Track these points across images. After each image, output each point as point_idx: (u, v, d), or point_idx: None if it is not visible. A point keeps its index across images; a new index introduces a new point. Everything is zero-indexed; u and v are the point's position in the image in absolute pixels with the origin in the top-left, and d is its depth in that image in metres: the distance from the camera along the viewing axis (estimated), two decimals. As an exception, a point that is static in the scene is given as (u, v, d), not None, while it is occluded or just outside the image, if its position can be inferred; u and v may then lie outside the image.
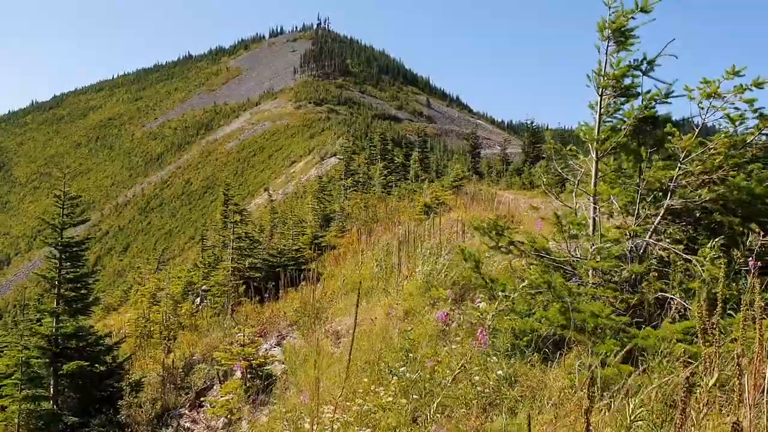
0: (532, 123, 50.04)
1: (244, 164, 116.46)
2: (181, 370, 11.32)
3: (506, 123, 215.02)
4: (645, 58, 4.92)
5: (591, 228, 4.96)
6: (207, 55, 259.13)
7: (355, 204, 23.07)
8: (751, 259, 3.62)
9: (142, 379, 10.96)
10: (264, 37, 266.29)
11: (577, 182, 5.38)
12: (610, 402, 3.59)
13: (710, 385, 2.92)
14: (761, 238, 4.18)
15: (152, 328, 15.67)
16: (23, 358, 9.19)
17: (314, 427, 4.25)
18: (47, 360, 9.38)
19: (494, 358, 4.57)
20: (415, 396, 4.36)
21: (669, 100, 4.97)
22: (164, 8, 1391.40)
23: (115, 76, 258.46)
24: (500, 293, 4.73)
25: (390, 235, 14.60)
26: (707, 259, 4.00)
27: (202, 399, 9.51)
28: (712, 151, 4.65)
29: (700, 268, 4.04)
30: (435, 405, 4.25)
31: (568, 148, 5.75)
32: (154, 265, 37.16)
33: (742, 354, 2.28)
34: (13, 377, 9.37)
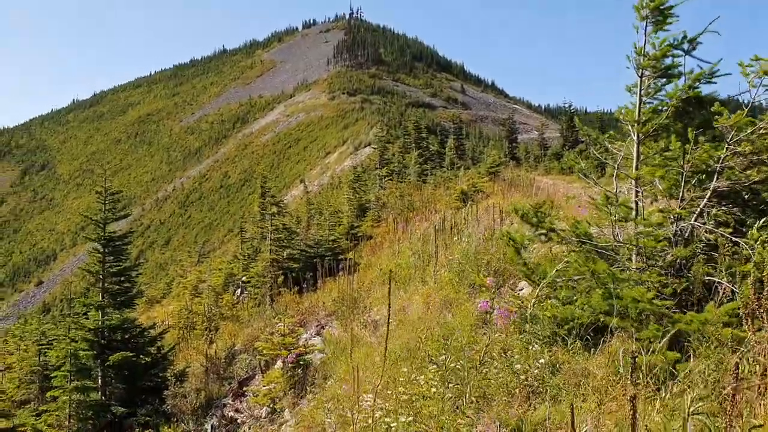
0: (570, 106, 49.36)
1: (280, 156, 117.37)
2: (223, 360, 11.52)
3: (543, 107, 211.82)
4: (686, 37, 4.76)
5: (634, 212, 4.84)
6: (241, 48, 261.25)
7: (390, 193, 23.05)
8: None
9: (186, 370, 11.18)
10: (297, 29, 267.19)
11: (616, 166, 5.26)
12: (657, 390, 3.51)
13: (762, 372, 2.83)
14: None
15: (195, 320, 15.99)
16: (71, 351, 9.47)
17: (356, 416, 4.27)
18: (94, 352, 9.64)
19: (536, 345, 4.52)
20: (455, 384, 4.34)
21: (714, 80, 4.80)
22: (200, 4, 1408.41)
23: (152, 73, 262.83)
24: (543, 281, 4.67)
25: (426, 223, 14.56)
26: (757, 241, 3.86)
27: (244, 388, 9.66)
28: (761, 131, 4.49)
29: (749, 251, 3.91)
30: (475, 393, 4.22)
31: (606, 135, 5.63)
32: (195, 258, 37.86)
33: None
34: (62, 369, 9.66)
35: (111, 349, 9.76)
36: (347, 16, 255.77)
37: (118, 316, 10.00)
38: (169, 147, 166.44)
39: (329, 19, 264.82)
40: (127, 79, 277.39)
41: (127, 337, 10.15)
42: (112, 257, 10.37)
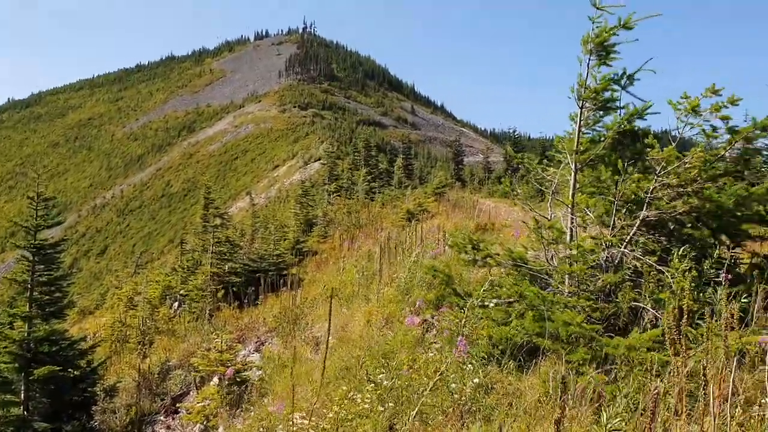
0: (514, 132, 50.62)
1: (227, 167, 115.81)
2: (157, 375, 11.21)
3: (489, 131, 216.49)
4: (625, 73, 5.02)
5: (568, 238, 5.03)
6: (190, 56, 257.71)
7: (338, 209, 23.08)
8: (722, 271, 3.70)
9: (117, 385, 10.82)
10: (249, 39, 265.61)
11: (552, 192, 5.45)
12: (583, 410, 3.64)
13: (678, 394, 2.98)
14: (730, 250, 4.27)
15: (128, 333, 15.50)
16: (-8, 364, 9.03)
17: (290, 434, 4.24)
18: (17, 365, 9.20)
19: (471, 366, 4.61)
20: (391, 403, 4.38)
21: (646, 116, 5.08)
22: (147, 8, 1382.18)
23: (95, 76, 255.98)
24: (471, 301, 4.78)
25: (372, 241, 14.63)
26: (678, 270, 4.07)
27: (178, 405, 9.44)
28: (687, 165, 4.75)
29: (670, 279, 4.12)
30: (411, 412, 4.27)
31: (538, 163, 5.84)
32: (131, 269, 36.84)
33: (707, 364, 2.33)
34: (-20, 383, 9.19)
35: (37, 362, 9.35)
36: (301, 30, 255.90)
37: (46, 327, 9.60)
38: (110, 153, 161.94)
39: (282, 31, 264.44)
40: (69, 81, 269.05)
41: (55, 349, 9.75)
42: (42, 266, 9.96)
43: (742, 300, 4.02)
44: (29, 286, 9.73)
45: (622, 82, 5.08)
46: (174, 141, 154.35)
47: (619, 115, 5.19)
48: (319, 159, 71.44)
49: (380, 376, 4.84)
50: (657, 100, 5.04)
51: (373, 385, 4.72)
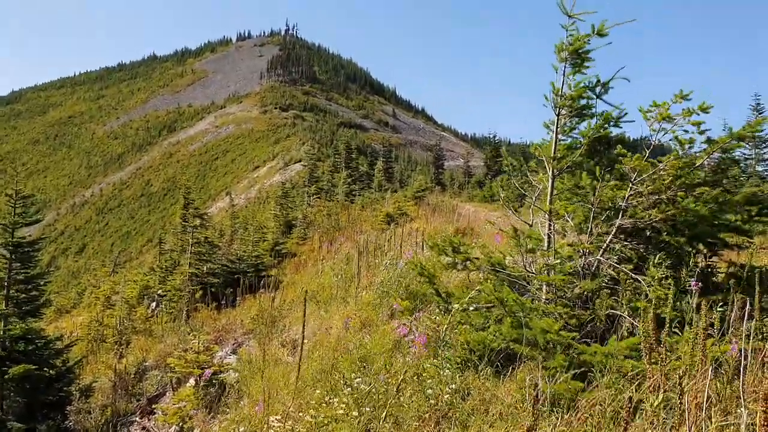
0: (494, 137, 50.73)
1: (207, 167, 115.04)
2: (133, 375, 11.09)
3: (470, 136, 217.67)
4: (599, 81, 5.04)
5: (546, 244, 5.04)
6: (172, 56, 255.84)
7: (317, 211, 22.99)
8: (693, 280, 3.73)
9: (93, 384, 10.69)
10: (231, 40, 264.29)
11: (534, 198, 5.47)
12: (558, 417, 3.64)
13: (655, 405, 2.99)
14: (707, 259, 4.31)
15: (105, 332, 15.33)
16: (-34, 362, 8.88)
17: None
18: (-7, 364, 9.07)
19: (448, 371, 4.60)
20: (367, 408, 4.35)
21: (620, 124, 5.11)
22: (130, 7, 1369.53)
23: (76, 74, 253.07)
24: (455, 306, 4.77)
25: (351, 243, 14.59)
26: (654, 279, 4.10)
27: (154, 406, 9.33)
28: (662, 172, 4.78)
29: (647, 288, 4.14)
30: (387, 416, 4.25)
31: (528, 163, 5.86)
32: (109, 268, 36.40)
33: (683, 374, 2.34)
34: (-47, 381, 9.04)
35: (12, 361, 9.21)
36: (283, 32, 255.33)
37: (22, 326, 9.48)
38: (90, 151, 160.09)
39: (265, 33, 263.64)
40: (50, 79, 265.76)
41: (30, 348, 9.62)
42: (19, 264, 9.84)
43: (718, 309, 4.06)
44: (6, 284, 9.62)
45: (597, 90, 5.11)
46: (155, 140, 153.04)
47: (595, 122, 5.22)
48: (300, 161, 71.28)
49: (357, 380, 4.82)
50: (634, 102, 5.09)
51: (349, 389, 4.69)
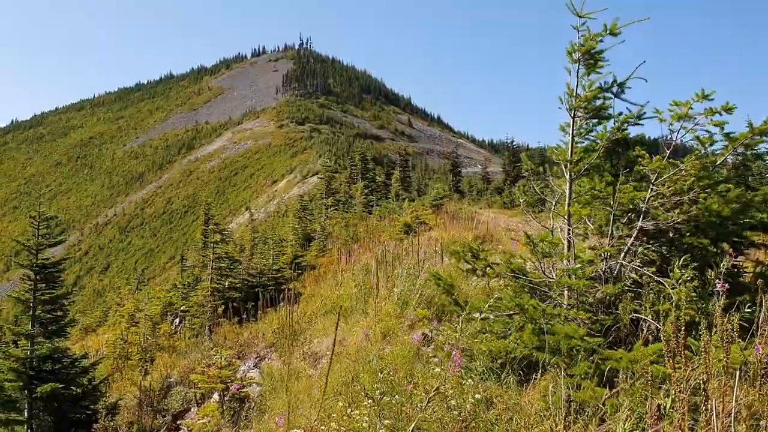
0: (512, 142, 50.53)
1: (226, 183, 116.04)
2: (158, 392, 11.12)
3: (487, 142, 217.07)
4: (615, 81, 4.95)
5: (566, 249, 4.96)
6: (188, 74, 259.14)
7: (335, 223, 23.00)
8: (719, 281, 3.63)
9: (119, 402, 10.75)
10: (246, 56, 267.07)
11: (554, 203, 5.39)
12: (586, 426, 3.57)
13: (683, 411, 2.91)
14: (733, 259, 4.20)
15: (130, 350, 15.42)
16: (-3, 382, 9.01)
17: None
18: (21, 383, 9.19)
19: (470, 380, 4.54)
20: (387, 421, 4.31)
21: (641, 122, 5.02)
22: (147, 28, 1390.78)
23: (96, 96, 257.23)
24: (476, 314, 4.71)
25: (370, 254, 14.55)
26: (678, 281, 4.00)
27: (179, 422, 9.34)
28: (683, 173, 4.69)
29: (670, 290, 4.05)
30: (409, 427, 4.20)
31: (550, 168, 5.77)
32: (133, 286, 36.76)
33: (708, 379, 2.27)
34: (-14, 402, 9.17)
35: (40, 380, 9.33)
36: (297, 46, 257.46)
37: (49, 345, 9.59)
38: (112, 171, 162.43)
39: (279, 48, 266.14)
40: (70, 101, 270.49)
41: (57, 367, 9.74)
42: (44, 284, 9.98)
43: (746, 310, 3.95)
44: (32, 304, 9.75)
45: (613, 89, 5.02)
46: (174, 158, 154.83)
47: (612, 123, 5.14)
48: (317, 173, 71.52)
49: (378, 392, 4.78)
50: (651, 109, 5.00)
51: (371, 401, 4.65)
